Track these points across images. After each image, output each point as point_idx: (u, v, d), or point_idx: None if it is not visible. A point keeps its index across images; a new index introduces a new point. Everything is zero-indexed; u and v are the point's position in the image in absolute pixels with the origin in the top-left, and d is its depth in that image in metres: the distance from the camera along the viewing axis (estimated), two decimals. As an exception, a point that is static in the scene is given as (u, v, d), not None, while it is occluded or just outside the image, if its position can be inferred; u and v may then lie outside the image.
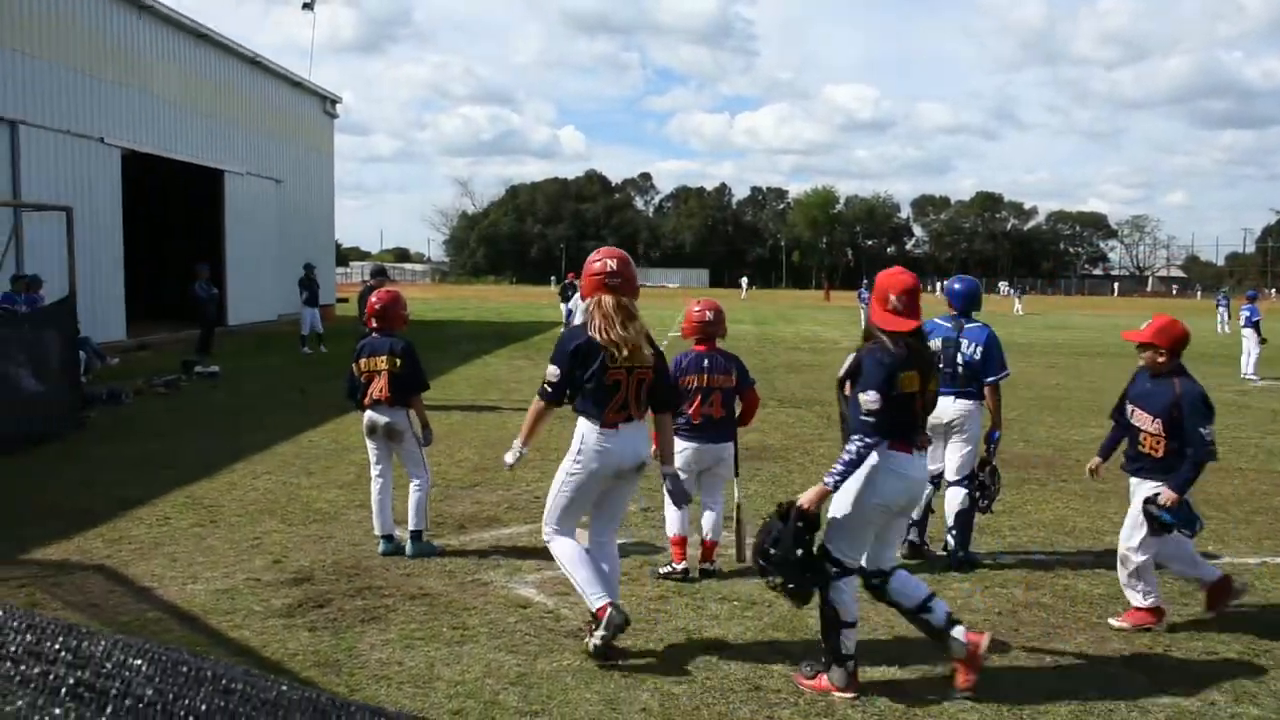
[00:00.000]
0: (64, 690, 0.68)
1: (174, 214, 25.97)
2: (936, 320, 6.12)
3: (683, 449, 5.45)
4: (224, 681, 0.69)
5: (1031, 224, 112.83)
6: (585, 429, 4.35)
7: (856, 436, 3.89)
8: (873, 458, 3.93)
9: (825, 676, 4.06)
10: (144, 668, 0.69)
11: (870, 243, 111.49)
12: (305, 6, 31.63)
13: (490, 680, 4.10)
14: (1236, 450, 9.98)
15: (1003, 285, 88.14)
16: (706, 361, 5.68)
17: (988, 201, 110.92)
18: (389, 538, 5.98)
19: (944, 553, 5.97)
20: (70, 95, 17.61)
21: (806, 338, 26.43)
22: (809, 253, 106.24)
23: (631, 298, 4.47)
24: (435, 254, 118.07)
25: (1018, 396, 13.93)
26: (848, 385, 4.06)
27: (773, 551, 4.02)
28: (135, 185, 20.92)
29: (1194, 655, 4.52)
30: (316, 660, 4.29)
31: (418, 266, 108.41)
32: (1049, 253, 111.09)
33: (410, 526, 5.96)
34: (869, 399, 3.89)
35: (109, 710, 0.67)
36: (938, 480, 6.09)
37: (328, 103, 31.30)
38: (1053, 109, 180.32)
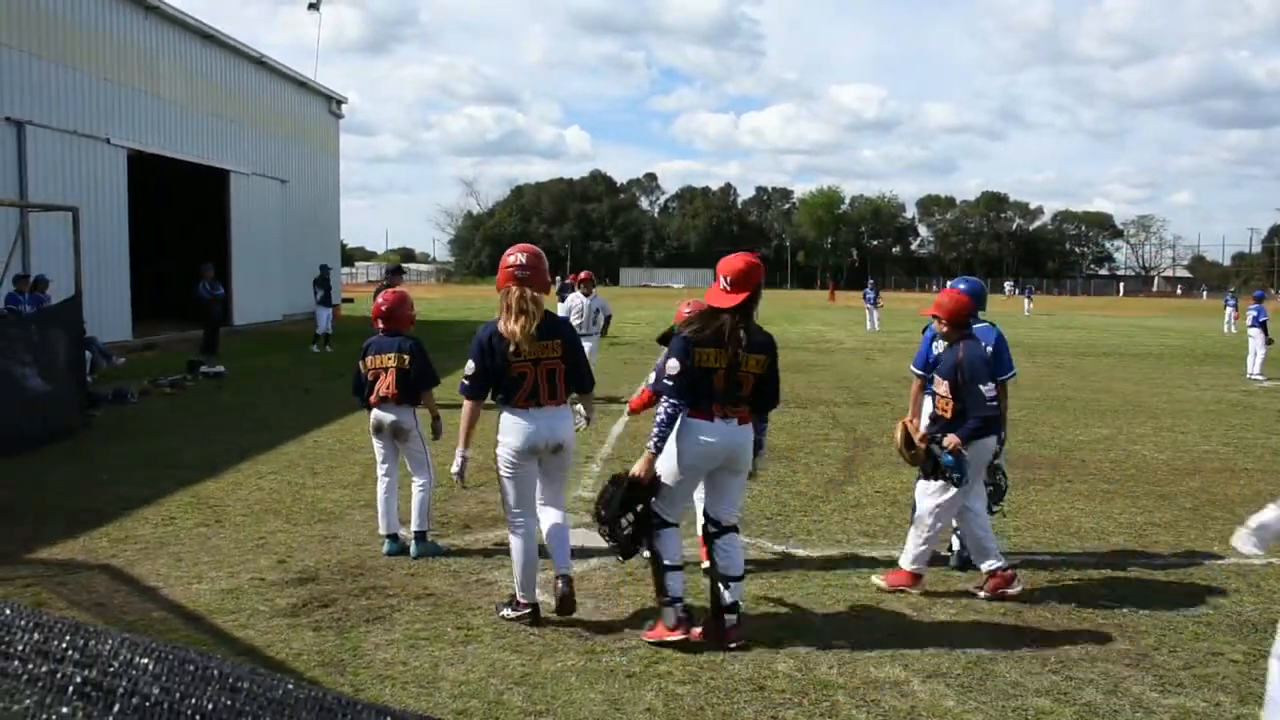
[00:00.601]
0: (71, 689, 0.68)
1: (180, 214, 26.04)
2: None
3: None
4: (230, 680, 0.69)
5: (1037, 224, 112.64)
6: (502, 413, 4.81)
7: (663, 400, 4.44)
8: (679, 424, 4.44)
9: (661, 624, 4.53)
10: (151, 666, 0.69)
11: (875, 243, 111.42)
12: (311, 7, 31.78)
13: (495, 680, 4.11)
14: (1242, 450, 9.97)
15: (1007, 285, 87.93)
16: None
17: (993, 201, 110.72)
18: (393, 537, 5.96)
19: (948, 553, 5.96)
20: (77, 96, 17.66)
21: (811, 338, 26.41)
22: (814, 253, 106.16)
23: (539, 291, 4.82)
24: (440, 254, 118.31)
25: (1023, 397, 13.92)
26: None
27: (603, 512, 4.56)
28: (141, 185, 20.97)
29: (1200, 655, 4.50)
30: (321, 660, 4.30)
31: (423, 267, 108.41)
32: (1054, 253, 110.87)
33: (414, 527, 5.94)
34: (670, 366, 4.46)
35: (116, 709, 0.67)
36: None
37: (333, 103, 31.36)
38: (1058, 108, 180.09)
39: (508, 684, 4.07)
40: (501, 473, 4.80)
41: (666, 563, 4.52)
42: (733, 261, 4.57)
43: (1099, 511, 7.29)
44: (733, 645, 4.45)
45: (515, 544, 4.84)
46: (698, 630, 4.52)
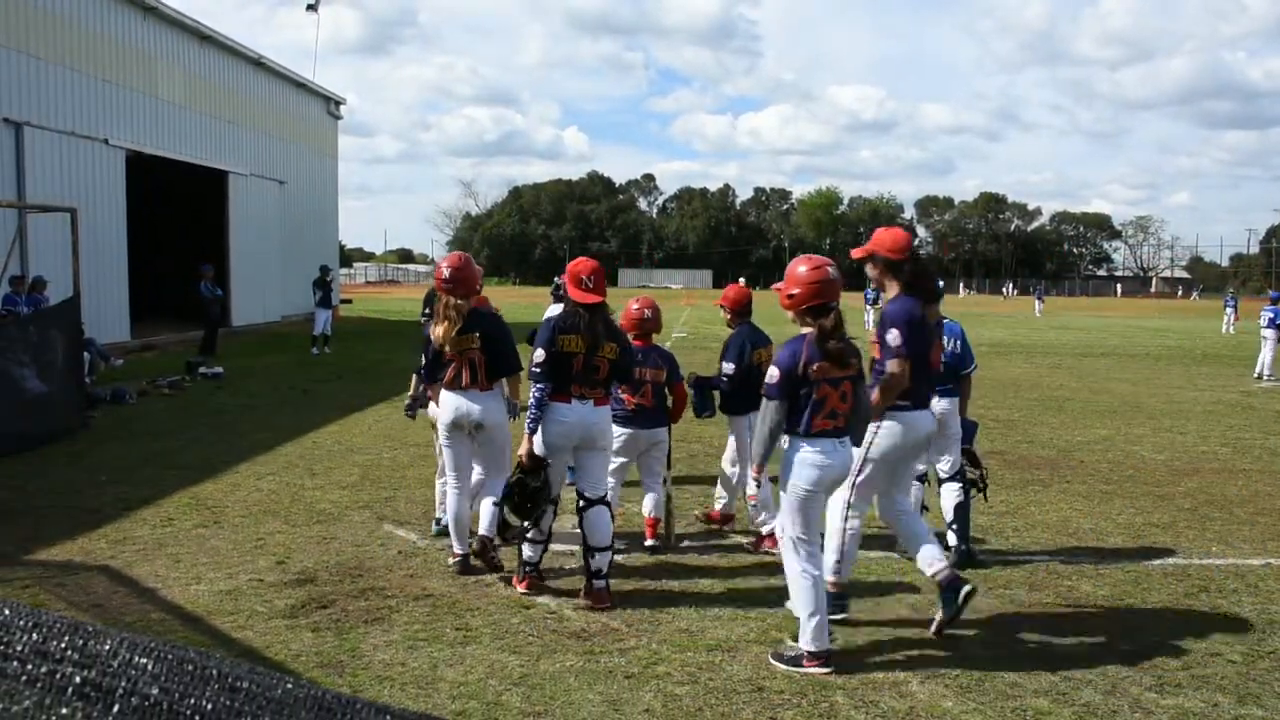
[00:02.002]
0: (70, 689, 0.68)
1: (178, 215, 26.02)
2: None
3: (620, 434, 5.99)
4: (230, 679, 0.69)
5: (1035, 225, 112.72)
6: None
7: (533, 386, 5.07)
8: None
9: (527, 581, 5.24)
10: (150, 666, 0.69)
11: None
12: (309, 8, 31.75)
13: (493, 681, 4.11)
14: (1241, 451, 9.98)
15: (1006, 287, 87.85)
16: (641, 355, 6.05)
17: (991, 202, 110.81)
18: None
19: (945, 550, 5.96)
20: (75, 97, 17.65)
21: (810, 339, 26.40)
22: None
23: (461, 297, 5.57)
24: (439, 255, 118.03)
25: (1022, 397, 13.94)
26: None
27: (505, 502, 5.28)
28: (140, 186, 20.95)
29: (1197, 656, 4.51)
30: (320, 661, 4.30)
31: (421, 268, 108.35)
32: (1053, 254, 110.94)
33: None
34: (535, 355, 5.08)
35: (115, 709, 0.67)
36: (923, 477, 6.11)
37: (332, 104, 31.34)
38: (1056, 109, 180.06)
39: (506, 685, 4.07)
40: (441, 443, 5.72)
41: (534, 537, 5.21)
42: (587, 263, 5.30)
43: (1097, 512, 7.30)
44: (602, 607, 4.96)
45: (448, 500, 5.66)
46: (524, 584, 5.23)
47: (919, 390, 4.81)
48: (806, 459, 4.33)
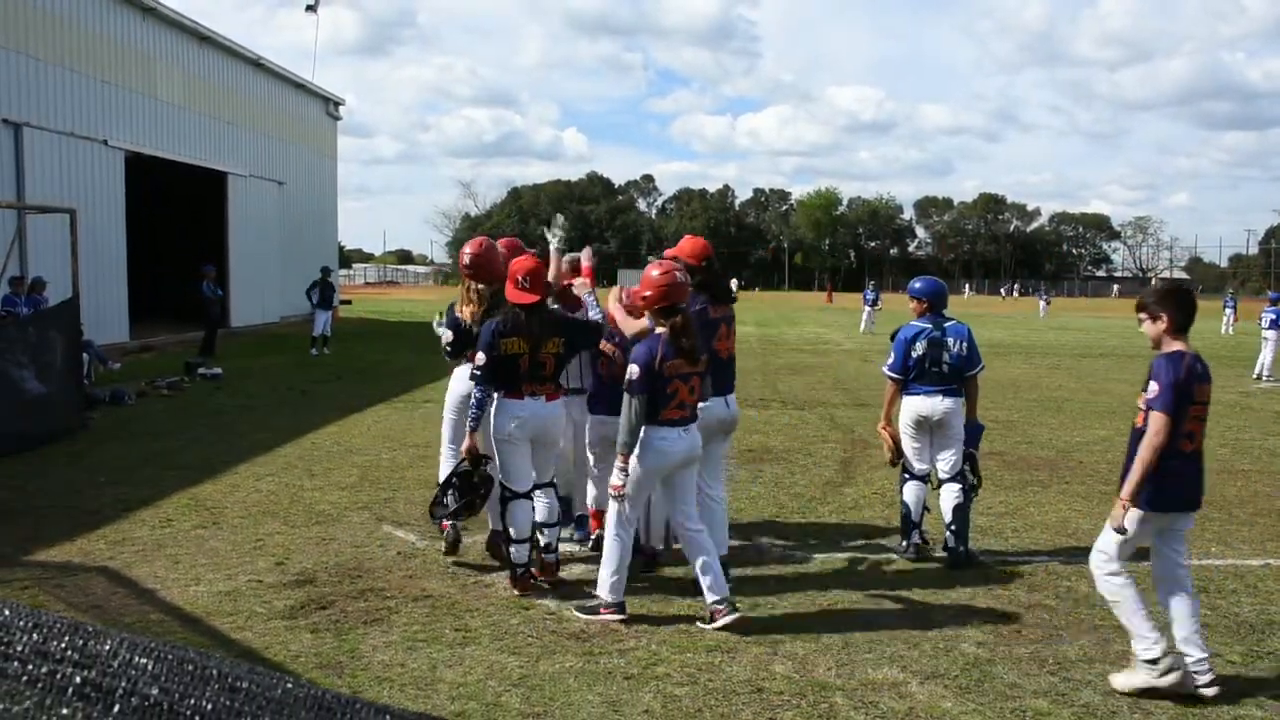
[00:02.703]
0: (71, 690, 0.68)
1: (177, 216, 26.01)
2: (915, 322, 6.13)
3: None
4: (230, 680, 0.69)
5: (1034, 225, 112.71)
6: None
7: (475, 387, 5.20)
8: (498, 405, 5.26)
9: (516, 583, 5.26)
10: (150, 666, 0.69)
11: (873, 244, 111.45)
12: (309, 9, 31.72)
13: (493, 682, 4.11)
14: (1240, 451, 9.98)
15: (1008, 287, 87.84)
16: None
17: (990, 203, 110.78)
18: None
19: (944, 552, 5.97)
20: (74, 98, 17.64)
21: (809, 339, 26.43)
22: (811, 254, 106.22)
23: (484, 282, 5.68)
24: (438, 256, 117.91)
25: (1021, 398, 13.94)
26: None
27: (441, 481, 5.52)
28: (139, 187, 20.95)
29: (1197, 657, 4.50)
30: (319, 662, 4.30)
31: (421, 268, 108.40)
32: (1052, 254, 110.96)
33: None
34: (477, 358, 5.17)
35: (115, 710, 0.67)
36: (926, 478, 6.12)
37: (331, 105, 31.33)
38: (1055, 110, 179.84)
39: (506, 686, 4.07)
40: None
41: (514, 536, 5.23)
42: (522, 264, 5.34)
43: (1096, 512, 7.29)
44: (548, 582, 5.31)
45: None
46: (529, 578, 5.30)
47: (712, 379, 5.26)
48: (653, 445, 4.83)
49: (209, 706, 0.67)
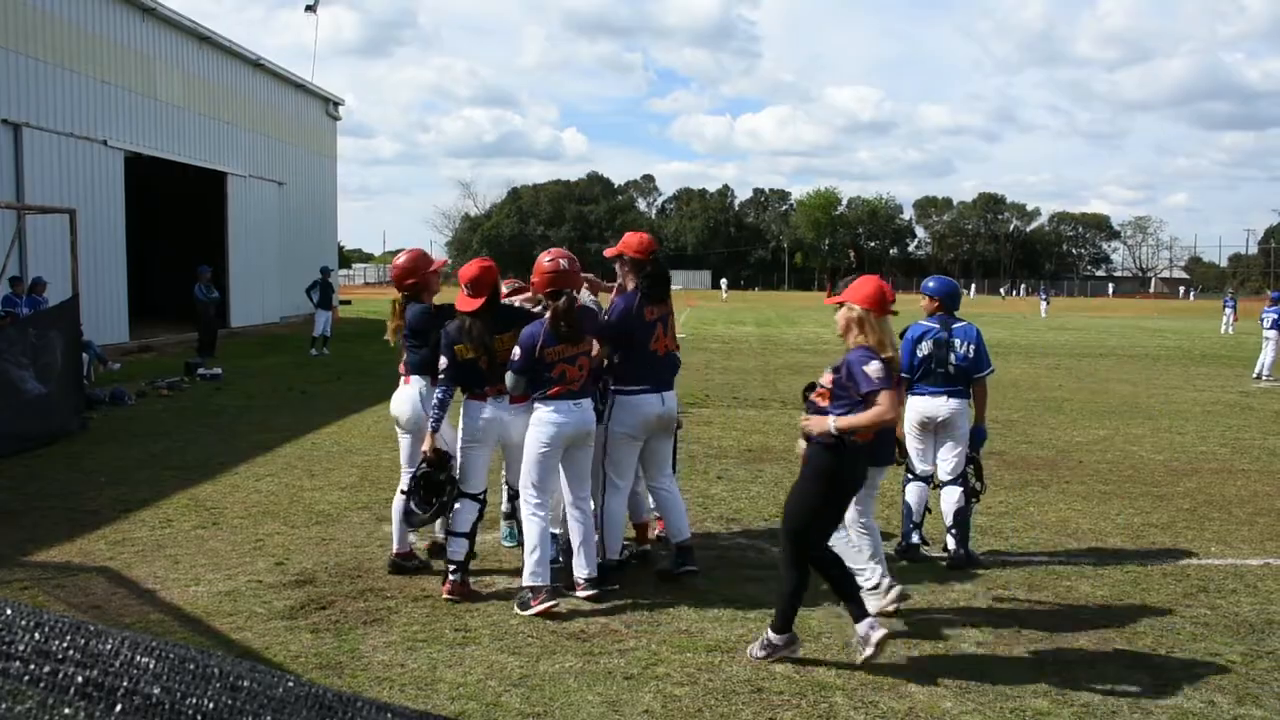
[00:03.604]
0: (73, 689, 0.68)
1: (177, 216, 26.02)
2: (923, 322, 6.12)
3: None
4: (231, 678, 0.69)
5: (1034, 225, 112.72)
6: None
7: (437, 388, 5.28)
8: (464, 407, 5.35)
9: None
10: (152, 665, 0.70)
11: (873, 244, 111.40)
12: (308, 9, 31.74)
13: (493, 682, 4.11)
14: (1239, 451, 9.98)
15: (1008, 287, 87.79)
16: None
17: (990, 203, 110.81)
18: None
19: (944, 553, 5.97)
20: (74, 98, 17.65)
21: (809, 339, 26.43)
22: (811, 254, 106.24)
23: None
24: (438, 256, 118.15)
25: (1021, 398, 13.94)
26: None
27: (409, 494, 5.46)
28: (138, 188, 20.96)
29: (1197, 656, 4.51)
30: (319, 662, 4.30)
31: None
32: (1052, 254, 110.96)
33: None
34: (441, 363, 5.25)
35: (118, 709, 0.68)
36: (929, 479, 6.11)
37: (330, 105, 31.34)
38: (1054, 110, 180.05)
39: (506, 686, 4.07)
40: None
41: (454, 530, 5.28)
42: (469, 269, 5.36)
43: (1096, 512, 7.30)
44: (450, 598, 5.15)
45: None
46: (448, 588, 5.21)
47: (643, 375, 5.49)
48: (544, 418, 5.09)
49: (210, 705, 0.67)
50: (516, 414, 5.36)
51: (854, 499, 4.69)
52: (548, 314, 5.14)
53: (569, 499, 5.32)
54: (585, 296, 5.81)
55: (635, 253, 5.59)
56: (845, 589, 4.39)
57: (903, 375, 6.02)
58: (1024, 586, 5.53)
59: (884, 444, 5.01)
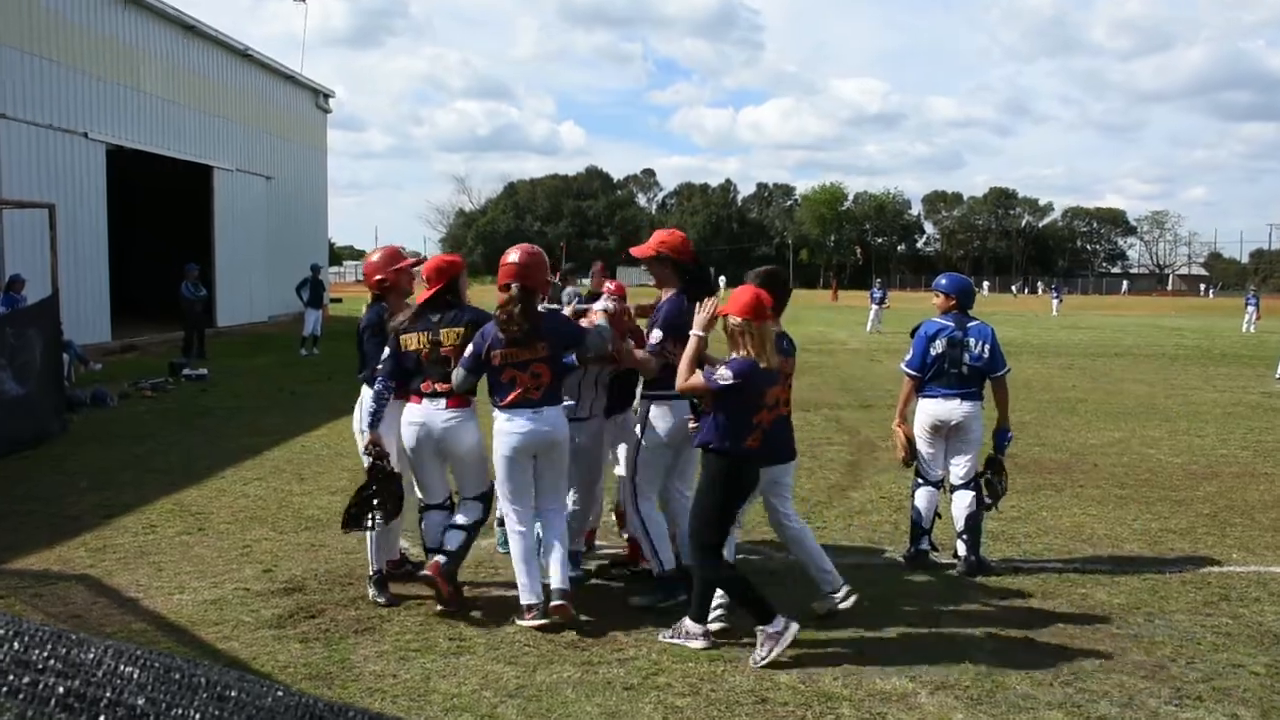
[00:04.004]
0: (54, 700, 0.68)
1: (161, 211, 26.04)
2: (937, 320, 6.13)
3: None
4: (218, 688, 0.69)
5: (1047, 221, 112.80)
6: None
7: (376, 381, 5.22)
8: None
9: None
10: (136, 675, 0.69)
11: (880, 240, 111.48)
12: (296, -3, 31.71)
13: (488, 693, 4.11)
14: (1262, 454, 9.98)
15: (1015, 286, 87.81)
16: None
17: (1001, 198, 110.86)
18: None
19: (954, 559, 5.97)
20: (53, 89, 17.65)
21: (814, 338, 26.42)
22: (817, 251, 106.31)
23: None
24: (432, 253, 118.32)
25: (1034, 399, 13.94)
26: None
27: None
28: (121, 182, 20.96)
29: (1219, 667, 4.50)
30: (309, 673, 4.30)
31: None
32: (1065, 250, 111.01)
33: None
34: (383, 355, 5.23)
35: (100, 720, 0.67)
36: (940, 484, 6.11)
37: (320, 97, 31.36)
38: (1067, 102, 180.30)
39: (501, 697, 4.07)
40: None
41: (426, 544, 5.33)
42: (433, 262, 5.41)
43: (1112, 517, 7.30)
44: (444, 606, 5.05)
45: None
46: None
47: None
48: (500, 428, 4.99)
49: (197, 716, 0.67)
50: (453, 419, 5.11)
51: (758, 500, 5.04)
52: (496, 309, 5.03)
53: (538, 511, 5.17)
54: (600, 309, 5.38)
55: (679, 254, 5.33)
56: (746, 595, 4.64)
57: (912, 374, 6.05)
58: (1037, 594, 5.53)
59: (782, 442, 5.13)
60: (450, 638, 4.73)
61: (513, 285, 4.94)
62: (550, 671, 4.33)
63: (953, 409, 5.94)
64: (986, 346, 6.00)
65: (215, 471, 8.42)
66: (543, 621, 4.83)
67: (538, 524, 5.17)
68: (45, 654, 0.71)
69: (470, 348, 4.99)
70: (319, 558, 6.01)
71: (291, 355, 18.96)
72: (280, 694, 0.70)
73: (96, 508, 7.13)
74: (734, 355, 4.58)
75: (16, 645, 0.71)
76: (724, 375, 4.50)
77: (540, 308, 5.17)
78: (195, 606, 5.11)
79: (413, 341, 5.18)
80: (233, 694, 0.69)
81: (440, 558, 5.10)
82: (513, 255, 5.06)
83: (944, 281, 6.32)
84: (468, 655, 4.51)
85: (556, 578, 4.99)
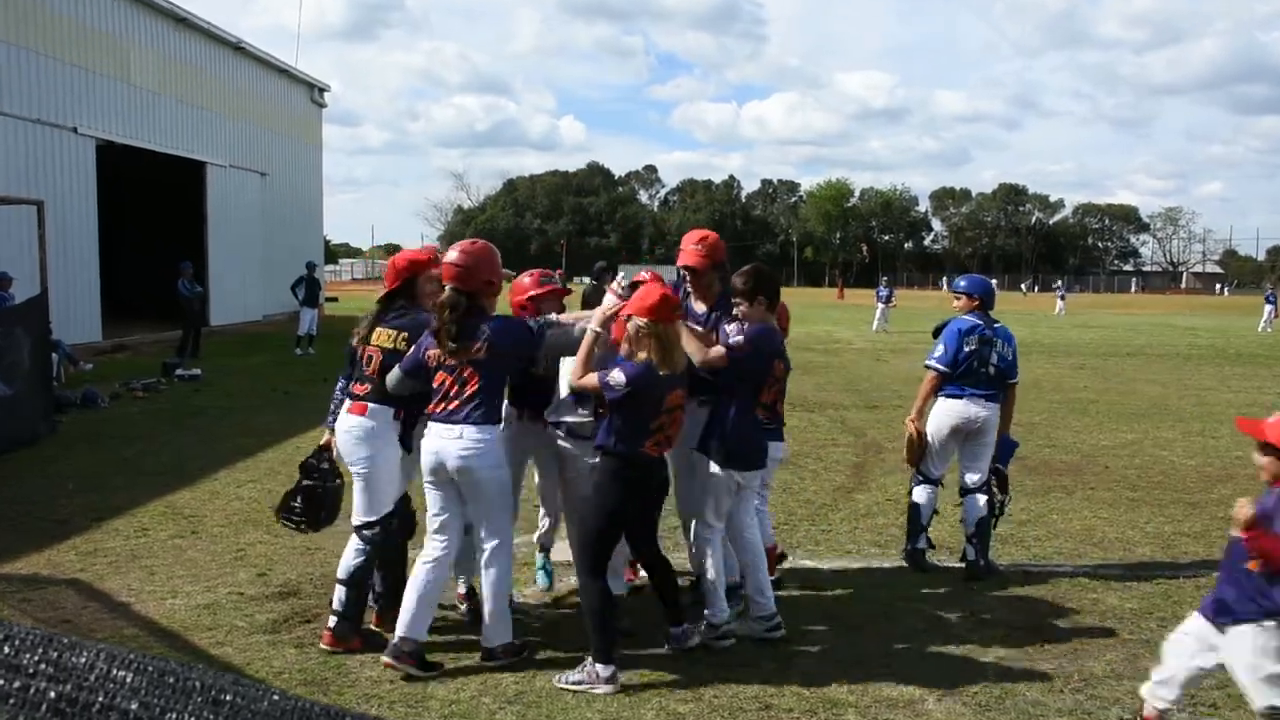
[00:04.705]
0: (45, 705, 0.68)
1: (153, 208, 26.02)
2: (968, 317, 6.07)
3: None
4: (213, 693, 0.69)
5: (1057, 217, 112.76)
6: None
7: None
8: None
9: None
10: (129, 679, 0.69)
11: (887, 238, 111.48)
12: (291, -11, 31.71)
13: (486, 699, 4.11)
14: None
15: (1024, 284, 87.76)
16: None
17: (1010, 194, 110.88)
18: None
19: (962, 563, 5.97)
20: (41, 82, 17.63)
21: (819, 338, 26.42)
22: (822, 248, 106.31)
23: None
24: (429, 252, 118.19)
25: (1044, 399, 13.94)
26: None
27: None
28: (111, 178, 20.95)
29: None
30: (304, 679, 4.30)
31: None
32: (1076, 248, 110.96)
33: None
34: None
35: (92, 725, 0.67)
36: (939, 482, 6.12)
37: (315, 91, 31.35)
38: (1078, 96, 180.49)
39: (500, 703, 4.07)
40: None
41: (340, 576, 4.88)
42: (391, 261, 5.15)
43: (1124, 520, 7.30)
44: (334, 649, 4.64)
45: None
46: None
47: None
48: (423, 445, 4.54)
49: (191, 721, 0.67)
50: (350, 429, 4.70)
51: (724, 508, 4.87)
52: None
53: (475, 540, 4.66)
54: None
55: (722, 257, 5.24)
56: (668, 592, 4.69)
57: (943, 370, 5.98)
58: (1047, 598, 5.53)
59: (751, 448, 4.88)
60: (448, 643, 4.73)
61: (447, 287, 4.54)
62: (549, 677, 4.33)
63: (977, 411, 5.92)
64: (1011, 350, 6.02)
65: (208, 473, 8.43)
66: (394, 668, 4.35)
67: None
68: (36, 658, 0.71)
69: (414, 348, 4.61)
70: (314, 561, 6.01)
71: (286, 355, 18.96)
72: (276, 698, 0.70)
73: (87, 510, 7.13)
74: (633, 357, 4.38)
75: (7, 649, 0.72)
76: (617, 381, 4.30)
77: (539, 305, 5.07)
78: (188, 611, 5.12)
79: (355, 336, 4.94)
80: (227, 698, 0.69)
81: (337, 596, 4.69)
82: (451, 254, 4.61)
83: (964, 283, 6.30)
84: (466, 660, 4.51)
85: (483, 633, 4.53)
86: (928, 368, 6.10)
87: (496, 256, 4.69)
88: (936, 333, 6.18)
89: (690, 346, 4.66)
